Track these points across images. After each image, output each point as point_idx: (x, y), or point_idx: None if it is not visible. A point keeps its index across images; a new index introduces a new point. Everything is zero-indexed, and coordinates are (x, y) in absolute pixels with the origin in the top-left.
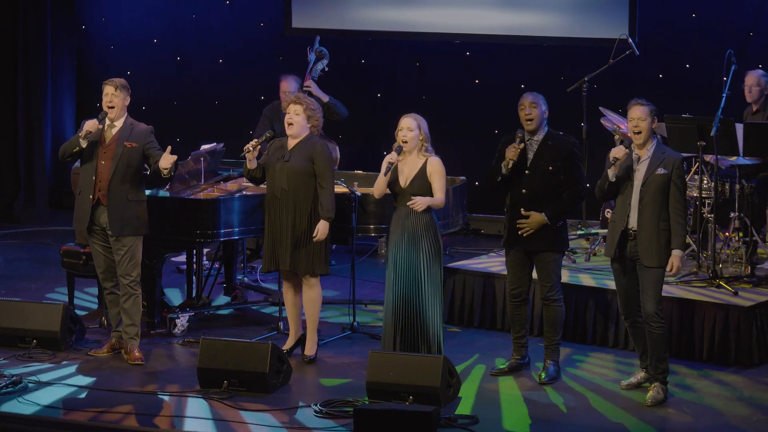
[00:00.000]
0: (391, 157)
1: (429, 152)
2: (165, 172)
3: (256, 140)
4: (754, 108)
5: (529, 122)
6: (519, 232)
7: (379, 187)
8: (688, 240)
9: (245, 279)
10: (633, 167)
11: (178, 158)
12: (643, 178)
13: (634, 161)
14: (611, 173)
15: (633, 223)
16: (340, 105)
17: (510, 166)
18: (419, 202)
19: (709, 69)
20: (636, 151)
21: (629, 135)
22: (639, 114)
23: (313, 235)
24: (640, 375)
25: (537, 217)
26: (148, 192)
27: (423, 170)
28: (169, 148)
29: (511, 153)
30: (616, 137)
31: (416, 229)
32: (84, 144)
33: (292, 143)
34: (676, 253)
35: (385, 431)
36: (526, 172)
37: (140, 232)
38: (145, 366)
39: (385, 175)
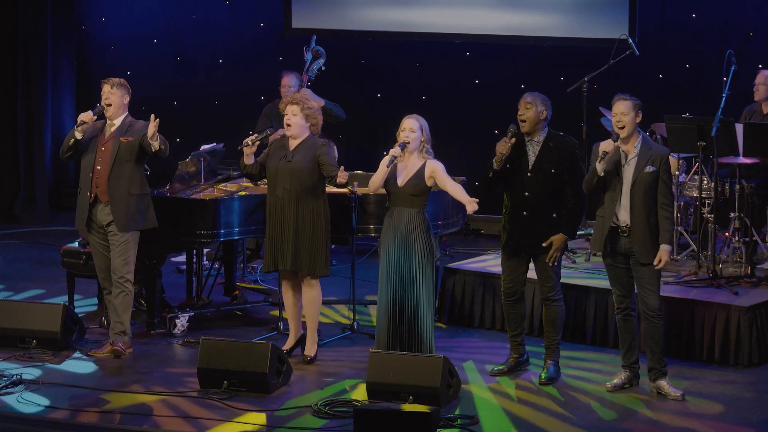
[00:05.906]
0: (394, 151)
1: (429, 154)
2: (155, 144)
3: (256, 135)
4: (765, 109)
5: (522, 123)
6: (547, 261)
7: (376, 180)
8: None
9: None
10: (621, 163)
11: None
12: (633, 177)
13: (622, 158)
14: (600, 168)
15: (624, 219)
16: (336, 108)
17: (501, 160)
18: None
19: (709, 69)
20: (622, 147)
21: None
22: (622, 108)
23: (338, 179)
24: (624, 375)
25: (559, 240)
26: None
27: (421, 172)
28: (152, 116)
29: (502, 147)
30: None
31: (409, 229)
32: (79, 135)
33: (293, 144)
34: (664, 248)
35: (385, 431)
36: (529, 174)
37: (147, 225)
38: (146, 366)
39: (388, 166)
